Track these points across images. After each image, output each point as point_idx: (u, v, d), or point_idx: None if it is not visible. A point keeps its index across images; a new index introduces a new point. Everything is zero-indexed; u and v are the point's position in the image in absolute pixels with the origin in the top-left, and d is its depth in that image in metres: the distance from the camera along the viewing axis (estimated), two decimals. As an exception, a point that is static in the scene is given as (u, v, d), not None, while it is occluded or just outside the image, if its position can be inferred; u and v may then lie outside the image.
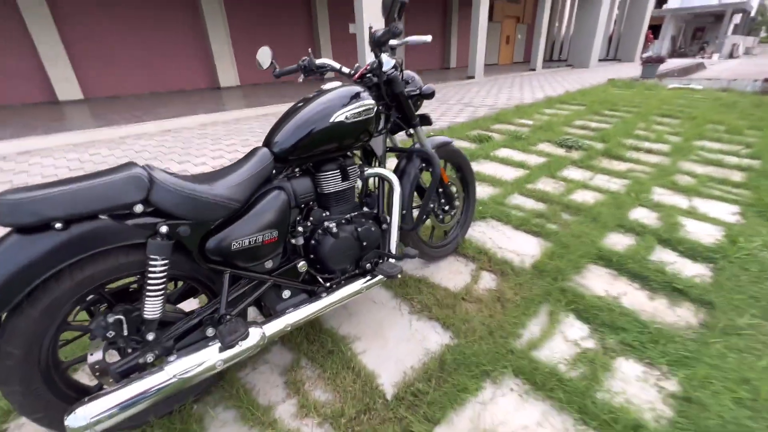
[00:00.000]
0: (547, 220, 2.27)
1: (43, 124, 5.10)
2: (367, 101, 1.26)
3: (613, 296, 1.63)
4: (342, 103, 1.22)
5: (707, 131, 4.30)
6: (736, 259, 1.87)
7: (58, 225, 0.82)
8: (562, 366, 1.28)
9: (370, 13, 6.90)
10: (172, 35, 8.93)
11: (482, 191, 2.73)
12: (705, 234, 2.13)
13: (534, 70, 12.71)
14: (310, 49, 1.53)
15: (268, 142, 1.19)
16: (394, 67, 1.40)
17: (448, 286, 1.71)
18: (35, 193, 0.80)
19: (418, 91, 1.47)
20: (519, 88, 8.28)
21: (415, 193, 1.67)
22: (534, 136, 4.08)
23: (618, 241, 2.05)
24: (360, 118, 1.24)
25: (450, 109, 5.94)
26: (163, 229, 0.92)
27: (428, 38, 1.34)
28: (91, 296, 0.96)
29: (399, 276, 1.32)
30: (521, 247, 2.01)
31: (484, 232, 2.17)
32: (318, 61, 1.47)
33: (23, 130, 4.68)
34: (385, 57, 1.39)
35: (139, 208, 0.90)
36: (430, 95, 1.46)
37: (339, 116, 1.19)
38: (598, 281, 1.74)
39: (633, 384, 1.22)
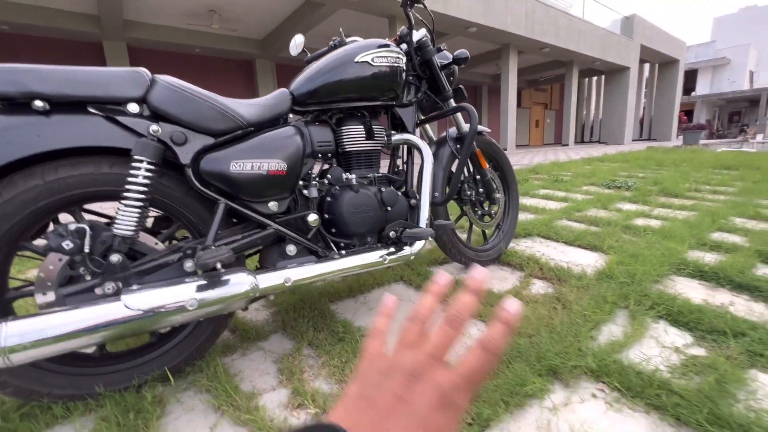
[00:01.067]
0: (604, 238, 1.93)
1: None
2: (396, 49, 1.18)
3: (717, 305, 1.23)
4: (369, 47, 1.15)
5: (778, 178, 3.85)
6: None
7: (38, 103, 0.73)
8: (665, 373, 0.89)
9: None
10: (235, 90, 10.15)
11: (524, 216, 2.46)
12: (820, 253, 1.68)
13: (567, 145, 12.88)
14: (341, 29, 1.55)
15: (288, 86, 1.12)
16: (425, 35, 1.35)
17: (491, 288, 1.40)
18: (22, 65, 0.72)
19: (450, 60, 1.39)
20: (554, 154, 8.27)
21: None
22: (576, 180, 3.85)
23: (703, 257, 1.65)
24: (387, 64, 1.15)
25: (483, 167, 5.92)
26: (154, 127, 0.80)
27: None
28: (60, 212, 0.81)
29: (430, 239, 1.07)
30: (579, 259, 1.68)
31: (530, 247, 1.87)
32: (349, 39, 1.46)
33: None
34: (415, 30, 1.35)
35: (133, 108, 0.80)
36: (464, 60, 1.37)
37: (365, 57, 1.11)
38: (689, 290, 1.35)
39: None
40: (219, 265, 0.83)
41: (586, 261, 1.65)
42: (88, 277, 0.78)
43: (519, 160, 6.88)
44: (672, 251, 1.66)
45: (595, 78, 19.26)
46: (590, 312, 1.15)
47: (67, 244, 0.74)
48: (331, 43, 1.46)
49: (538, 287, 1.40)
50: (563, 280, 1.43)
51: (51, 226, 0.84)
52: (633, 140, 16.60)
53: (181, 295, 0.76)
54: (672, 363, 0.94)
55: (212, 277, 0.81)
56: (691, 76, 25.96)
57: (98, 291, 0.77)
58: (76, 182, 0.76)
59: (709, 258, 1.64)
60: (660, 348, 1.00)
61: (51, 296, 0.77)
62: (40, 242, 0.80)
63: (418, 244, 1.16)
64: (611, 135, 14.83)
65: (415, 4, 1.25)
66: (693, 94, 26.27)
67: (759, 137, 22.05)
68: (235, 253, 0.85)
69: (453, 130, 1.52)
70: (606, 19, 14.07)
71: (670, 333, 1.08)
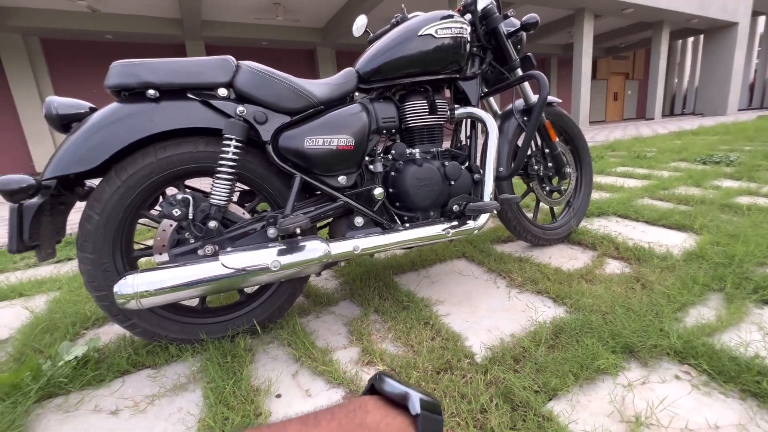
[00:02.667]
0: (697, 217, 1.72)
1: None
2: (460, 20, 1.16)
3: (844, 292, 1.05)
4: (432, 19, 1.14)
5: None
6: None
7: (151, 92, 0.86)
8: (765, 360, 0.80)
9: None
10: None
11: (598, 195, 2.28)
12: None
13: (652, 119, 11.42)
14: (403, 6, 1.54)
15: (354, 65, 1.15)
16: (491, 2, 1.29)
17: (559, 266, 1.34)
18: (139, 60, 0.85)
19: (518, 27, 1.32)
20: (635, 129, 7.40)
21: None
22: (663, 156, 3.43)
23: (829, 239, 1.40)
24: (451, 35, 1.13)
25: (551, 146, 5.52)
26: (240, 108, 0.90)
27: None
28: (168, 186, 0.95)
29: (494, 212, 1.06)
30: (663, 239, 1.53)
31: (605, 226, 1.73)
32: (411, 15, 1.45)
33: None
34: None
35: (222, 92, 0.91)
36: (534, 25, 1.29)
37: (428, 30, 1.10)
38: (806, 275, 1.16)
39: None
40: (298, 231, 0.91)
41: (672, 241, 1.49)
42: (192, 240, 0.91)
43: (593, 136, 6.29)
44: (784, 232, 1.43)
45: (691, 39, 16.63)
46: (676, 293, 1.06)
47: (176, 212, 0.87)
48: (394, 20, 1.47)
49: (613, 267, 1.31)
50: (643, 260, 1.32)
51: (161, 199, 0.99)
52: (739, 110, 14.15)
53: (266, 258, 0.86)
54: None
55: (291, 243, 0.90)
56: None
57: (200, 252, 0.90)
58: (179, 159, 0.89)
59: (837, 240, 1.38)
60: (763, 334, 0.89)
61: (165, 256, 0.93)
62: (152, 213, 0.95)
63: (483, 218, 1.15)
64: (710, 105, 12.78)
65: None
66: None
67: None
68: (310, 221, 0.93)
69: (520, 102, 1.46)
70: (708, -33, 11.98)
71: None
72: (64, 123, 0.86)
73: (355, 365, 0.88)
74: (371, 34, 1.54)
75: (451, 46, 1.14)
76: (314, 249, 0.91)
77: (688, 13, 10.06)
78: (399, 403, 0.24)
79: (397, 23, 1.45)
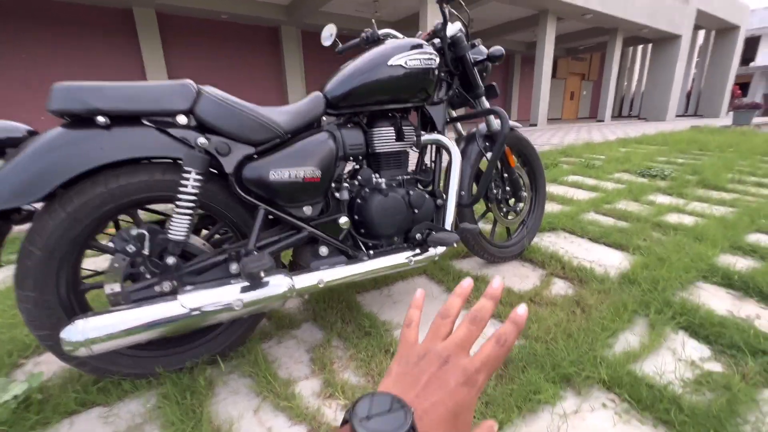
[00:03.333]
0: (632, 236, 1.91)
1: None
2: (429, 50, 1.17)
3: (742, 318, 1.23)
4: (402, 49, 1.14)
5: (835, 170, 3.57)
6: None
7: (101, 119, 0.80)
8: (677, 388, 0.93)
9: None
10: (258, 86, 10.17)
11: (551, 208, 2.43)
12: None
13: (602, 121, 12.20)
14: (373, 21, 1.53)
15: (322, 88, 1.13)
16: (460, 30, 1.32)
17: (512, 287, 1.44)
18: (86, 84, 0.78)
19: (485, 56, 1.36)
20: (587, 132, 7.89)
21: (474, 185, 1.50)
22: (609, 166, 3.71)
23: (735, 262, 1.62)
24: (420, 66, 1.14)
25: (511, 146, 5.75)
26: (201, 140, 0.86)
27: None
28: (121, 214, 0.90)
29: (455, 245, 1.12)
30: (603, 258, 1.68)
31: (554, 242, 1.87)
32: (381, 32, 1.44)
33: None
34: (449, 24, 1.32)
35: (182, 119, 0.86)
36: (499, 57, 1.33)
37: (398, 60, 1.11)
38: (715, 300, 1.34)
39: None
40: (262, 273, 0.90)
41: (610, 261, 1.65)
42: (148, 276, 0.87)
43: (549, 138, 6.63)
44: (701, 255, 1.63)
45: (641, 46, 17.75)
46: (609, 320, 1.18)
47: (130, 248, 0.83)
48: (364, 35, 1.45)
49: (559, 288, 1.43)
50: (585, 282, 1.45)
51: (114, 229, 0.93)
52: (677, 116, 15.49)
53: (228, 297, 0.85)
54: (686, 378, 0.97)
55: (254, 279, 0.90)
56: (751, 44, 23.44)
57: (157, 288, 0.87)
58: (134, 188, 0.84)
59: (742, 264, 1.60)
60: (676, 361, 1.03)
61: (117, 287, 0.88)
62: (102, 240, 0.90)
63: (442, 248, 1.20)
64: (653, 111, 13.86)
65: (452, 1, 1.22)
66: (752, 64, 23.83)
67: (822, 115, 20.03)
68: (272, 255, 0.93)
69: (483, 127, 1.51)
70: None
71: (688, 346, 1.10)
72: None
73: (317, 398, 0.91)
74: (340, 45, 1.51)
75: (420, 77, 1.16)
76: (278, 285, 0.91)
77: (640, 23, 10.74)
78: None
79: (367, 39, 1.44)
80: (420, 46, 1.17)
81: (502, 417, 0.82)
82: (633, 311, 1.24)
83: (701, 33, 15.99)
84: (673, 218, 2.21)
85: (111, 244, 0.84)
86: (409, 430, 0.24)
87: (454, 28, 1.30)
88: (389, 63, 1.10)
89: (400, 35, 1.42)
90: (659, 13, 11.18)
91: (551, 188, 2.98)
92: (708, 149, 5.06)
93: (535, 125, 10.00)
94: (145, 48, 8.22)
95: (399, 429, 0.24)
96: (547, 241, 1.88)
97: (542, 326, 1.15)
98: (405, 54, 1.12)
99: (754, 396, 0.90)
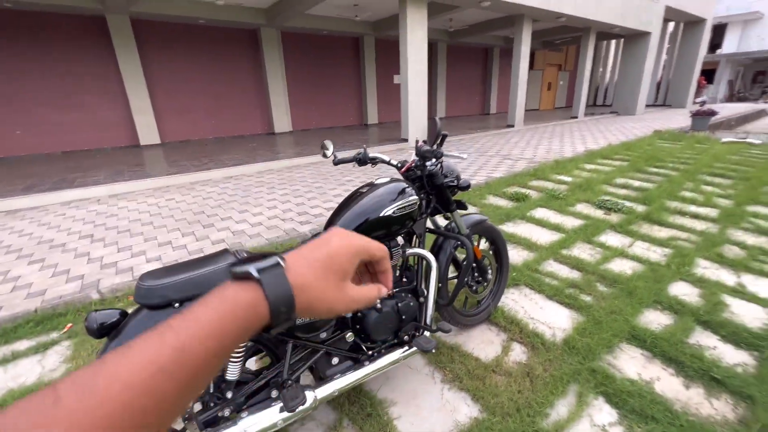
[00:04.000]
0: (581, 290, 2.33)
1: (128, 169, 5.94)
2: (412, 198, 1.50)
3: (646, 381, 1.66)
4: (390, 198, 1.46)
5: (763, 194, 4.12)
6: (784, 349, 1.82)
7: (177, 305, 1.10)
8: (588, 452, 1.34)
9: (414, 70, 7.47)
10: (238, 89, 10.12)
11: (516, 255, 2.83)
12: (752, 317, 2.08)
13: (576, 117, 12.72)
14: (365, 146, 1.82)
15: (330, 226, 1.45)
16: (435, 165, 1.64)
17: (479, 356, 1.83)
18: (163, 281, 1.08)
19: (455, 183, 1.69)
20: (559, 139, 8.34)
21: (451, 266, 1.85)
22: (572, 196, 4.14)
23: (654, 319, 2.06)
24: (405, 212, 1.47)
25: (488, 162, 6.14)
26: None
27: (464, 155, 1.60)
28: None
29: (433, 351, 1.48)
30: (553, 319, 2.09)
31: (516, 301, 2.27)
32: (371, 155, 1.75)
33: (113, 175, 5.48)
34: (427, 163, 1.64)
35: (230, 290, 1.17)
36: (466, 188, 1.67)
37: (388, 211, 1.43)
38: (630, 363, 1.77)
39: (660, 480, 1.25)
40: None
41: (559, 323, 2.05)
42: (212, 405, 1.20)
43: (523, 150, 7.03)
44: (626, 314, 2.06)
45: (614, 40, 18.21)
46: (549, 390, 1.59)
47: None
48: (358, 155, 1.76)
49: (516, 354, 1.83)
50: (536, 349, 1.85)
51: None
52: (647, 106, 16.19)
53: (273, 418, 1.19)
54: (596, 442, 1.38)
55: (282, 400, 1.24)
56: (719, 32, 24.33)
57: (219, 414, 1.20)
58: None
59: (660, 320, 2.04)
60: (591, 427, 1.44)
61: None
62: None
63: (425, 344, 1.57)
64: (623, 105, 14.49)
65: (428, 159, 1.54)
66: (718, 51, 24.80)
67: (780, 101, 21.20)
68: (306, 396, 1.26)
69: (454, 226, 1.86)
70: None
71: (604, 411, 1.52)
72: (102, 332, 1.08)
73: (337, 478, 1.27)
74: (337, 157, 1.82)
75: (407, 216, 1.49)
76: (307, 401, 1.25)
77: (611, 23, 11.13)
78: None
79: (360, 160, 1.75)
80: (404, 191, 1.49)
81: (466, 490, 1.21)
82: (567, 381, 1.64)
83: (671, 24, 16.54)
84: (616, 265, 2.65)
85: None
86: (277, 264, 0.30)
87: (431, 164, 1.63)
88: (382, 214, 1.42)
89: (386, 158, 1.73)
90: (629, 13, 11.60)
91: (519, 227, 3.38)
92: (665, 164, 5.58)
93: (512, 126, 10.41)
94: (120, 55, 8.06)
95: (268, 261, 0.30)
96: (510, 299, 2.28)
97: (499, 401, 1.54)
98: (394, 205, 1.44)
99: (637, 458, 1.32)
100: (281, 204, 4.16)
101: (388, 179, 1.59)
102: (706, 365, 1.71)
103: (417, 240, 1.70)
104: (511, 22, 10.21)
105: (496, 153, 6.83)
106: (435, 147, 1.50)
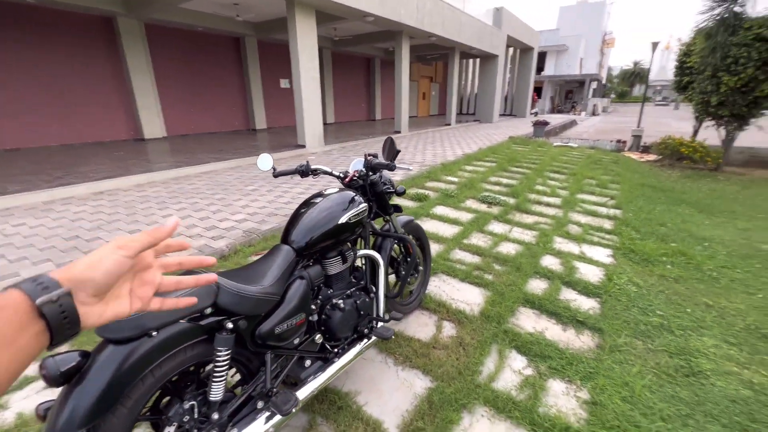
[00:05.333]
0: (483, 271, 2.85)
1: (-66, 188, 4.44)
2: (362, 205, 1.67)
3: (539, 331, 2.19)
4: (342, 208, 1.61)
5: (584, 185, 5.57)
6: (613, 293, 2.62)
7: (154, 333, 1.05)
8: (513, 392, 1.74)
9: (307, 77, 7.52)
10: (91, 86, 8.44)
11: (430, 247, 3.25)
12: (593, 275, 2.89)
13: (449, 125, 14.55)
14: (307, 160, 1.91)
15: (286, 239, 1.51)
16: (376, 175, 1.85)
17: (420, 337, 2.11)
18: (138, 315, 1.02)
19: (392, 190, 1.93)
20: (440, 144, 9.49)
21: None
22: (461, 193, 4.87)
23: (537, 286, 2.68)
24: (358, 218, 1.64)
25: (386, 165, 6.62)
26: (229, 324, 1.18)
27: (411, 167, 1.87)
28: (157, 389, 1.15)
29: (393, 337, 1.68)
30: (469, 297, 2.52)
31: (438, 287, 2.65)
32: (313, 166, 1.85)
33: None
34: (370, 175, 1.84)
35: (208, 311, 1.16)
36: (402, 193, 1.93)
37: (343, 219, 1.58)
38: (528, 321, 2.30)
39: (561, 397, 1.72)
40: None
41: (474, 299, 2.50)
42: (195, 431, 1.16)
43: (413, 155, 7.79)
44: (519, 285, 2.64)
45: (471, 59, 21.36)
46: (479, 354, 1.96)
47: (185, 419, 1.12)
48: (299, 167, 1.84)
49: (448, 330, 2.18)
50: (462, 323, 2.24)
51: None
52: (501, 115, 19.51)
53: (264, 427, 1.22)
54: (517, 383, 1.80)
55: (274, 407, 1.28)
56: (542, 57, 30.91)
57: (204, 438, 1.17)
58: (170, 369, 1.11)
59: (540, 286, 2.67)
60: (512, 373, 1.86)
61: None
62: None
63: (381, 334, 1.76)
64: (483, 114, 17.16)
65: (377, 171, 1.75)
66: (542, 73, 31.47)
67: (582, 114, 28.13)
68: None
69: (391, 226, 2.10)
70: (479, 8, 15.69)
71: (518, 359, 1.96)
72: (65, 379, 0.96)
73: (325, 470, 1.37)
74: (276, 170, 1.86)
75: (358, 223, 1.66)
76: (292, 403, 1.31)
77: (470, 45, 13.12)
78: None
79: (302, 171, 1.83)
80: (353, 200, 1.65)
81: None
82: (489, 343, 2.06)
83: (511, 49, 20.31)
84: (504, 248, 3.29)
85: (168, 414, 1.11)
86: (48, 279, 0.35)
87: (374, 176, 1.83)
88: (338, 222, 1.56)
89: (328, 169, 1.87)
90: (483, 38, 13.87)
91: (426, 224, 3.85)
92: (521, 164, 6.95)
93: (400, 132, 11.33)
94: None
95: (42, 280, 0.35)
96: (433, 286, 2.65)
97: (444, 370, 1.85)
98: (347, 214, 1.59)
99: (545, 387, 1.77)
100: (182, 220, 3.77)
101: (336, 189, 1.73)
102: (573, 313, 2.36)
103: (363, 243, 1.88)
104: (392, 36, 11.11)
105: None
106: (391, 161, 1.71)
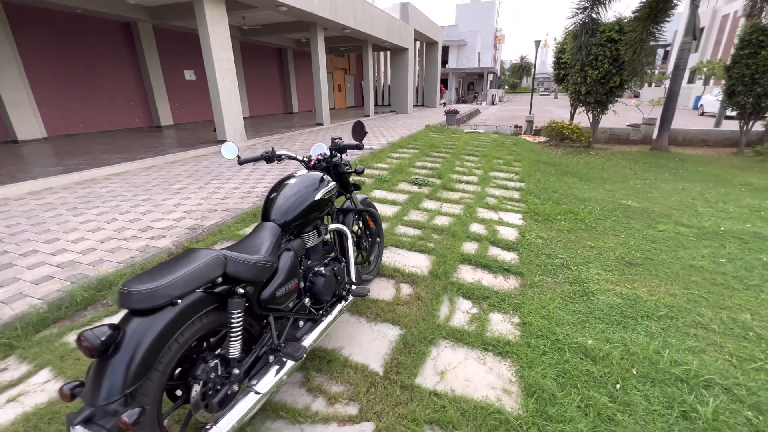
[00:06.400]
0: (425, 240, 3.28)
1: None
2: (331, 184, 1.90)
3: (477, 280, 2.68)
4: (314, 187, 1.82)
5: (495, 165, 6.45)
6: (526, 246, 3.26)
7: (179, 301, 1.17)
8: (466, 326, 2.17)
9: (222, 68, 7.16)
10: None
11: (376, 227, 3.57)
12: (510, 234, 3.52)
13: (369, 116, 14.97)
14: (272, 146, 2.04)
15: (267, 216, 1.68)
16: (337, 157, 2.08)
17: (384, 298, 2.43)
18: (162, 282, 1.13)
19: (353, 170, 2.18)
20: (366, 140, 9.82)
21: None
22: (393, 178, 5.28)
23: (470, 247, 3.20)
24: (329, 195, 1.87)
25: (316, 157, 6.72)
26: (240, 290, 1.34)
27: (375, 147, 2.14)
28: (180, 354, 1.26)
29: (368, 294, 1.96)
30: (417, 262, 2.92)
31: (390, 257, 2.99)
32: (278, 152, 2.01)
33: None
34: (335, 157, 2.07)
35: (219, 280, 1.31)
36: (362, 172, 2.20)
37: (318, 195, 1.79)
38: (467, 274, 2.77)
39: (500, 324, 2.20)
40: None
41: (422, 263, 2.90)
42: (219, 387, 1.31)
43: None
44: (455, 248, 3.12)
45: (382, 52, 22.02)
46: (434, 304, 2.36)
47: (212, 375, 1.26)
48: (264, 153, 1.98)
49: (405, 290, 2.53)
50: (416, 282, 2.61)
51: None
52: (414, 106, 20.61)
53: (278, 374, 1.41)
54: (467, 320, 2.23)
55: (286, 356, 1.47)
56: (445, 51, 33.19)
57: (229, 391, 1.32)
58: (190, 335, 1.25)
59: (471, 247, 3.19)
60: (462, 313, 2.29)
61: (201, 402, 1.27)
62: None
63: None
64: (399, 104, 17.98)
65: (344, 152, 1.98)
66: (447, 66, 33.85)
67: (483, 103, 31.10)
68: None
69: (350, 204, 2.35)
70: (386, 3, 16.32)
71: (465, 303, 2.41)
72: (105, 349, 1.04)
73: (328, 407, 1.60)
74: (241, 158, 1.98)
75: (330, 199, 1.88)
76: (302, 350, 1.51)
77: (381, 38, 13.62)
78: None
79: (268, 157, 1.98)
80: (323, 179, 1.87)
81: (416, 371, 1.79)
82: (441, 294, 2.47)
83: (418, 44, 21.48)
84: (439, 221, 3.78)
85: (197, 373, 1.23)
86: None
87: (337, 159, 2.06)
88: (315, 198, 1.77)
89: (292, 154, 2.04)
90: (393, 32, 14.49)
91: (368, 206, 4.15)
92: (440, 149, 7.66)
93: (322, 124, 11.37)
94: None
95: None
96: (386, 257, 2.98)
97: (409, 319, 2.19)
98: (321, 191, 1.80)
99: (488, 319, 2.24)
100: (107, 224, 3.46)
101: (304, 172, 1.93)
102: (499, 264, 2.90)
103: (330, 218, 2.11)
104: (304, 27, 10.99)
105: (319, 149, 7.51)
106: (359, 142, 1.95)
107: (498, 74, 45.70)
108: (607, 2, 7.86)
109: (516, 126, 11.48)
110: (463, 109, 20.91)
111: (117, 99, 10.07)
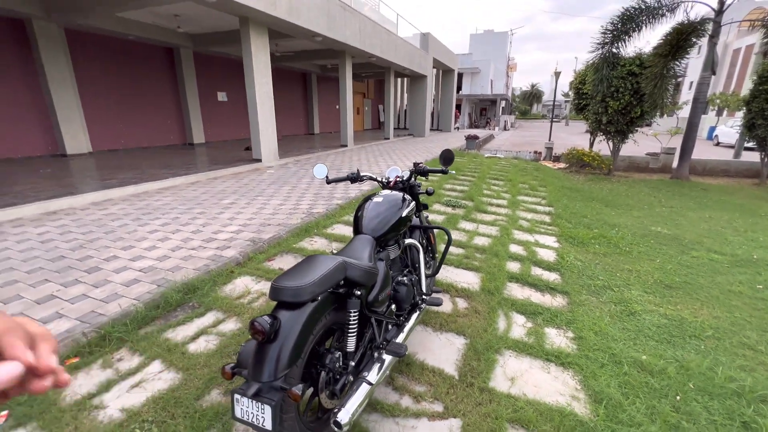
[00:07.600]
0: (470, 259, 3.47)
1: None
2: (412, 203, 2.14)
3: (526, 297, 2.85)
4: (399, 206, 2.06)
5: (521, 189, 6.66)
6: (566, 267, 3.42)
7: (320, 297, 1.39)
8: (525, 338, 2.33)
9: (262, 93, 7.63)
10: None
11: (421, 245, 3.78)
12: (548, 256, 3.70)
13: (388, 139, 15.45)
14: (357, 168, 2.31)
15: (360, 230, 1.91)
16: (414, 179, 2.34)
17: (443, 311, 2.61)
18: (306, 281, 1.35)
19: (425, 192, 2.43)
20: (389, 156, 10.19)
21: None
22: (427, 199, 5.52)
23: (513, 267, 3.38)
24: (410, 213, 2.10)
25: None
26: (358, 292, 1.56)
27: (453, 172, 2.39)
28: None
29: (442, 304, 2.16)
30: (467, 279, 3.10)
31: (441, 273, 3.19)
32: (362, 174, 2.26)
33: None
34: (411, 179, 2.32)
35: (341, 282, 1.53)
36: (432, 193, 2.44)
37: (402, 213, 2.03)
38: (516, 291, 2.95)
39: (556, 338, 2.36)
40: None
41: (472, 280, 3.08)
42: (337, 376, 1.50)
43: (370, 165, 8.33)
44: (501, 266, 3.31)
45: (401, 78, 22.86)
46: (491, 317, 2.53)
47: (336, 366, 1.46)
48: (350, 174, 2.24)
49: (461, 304, 2.71)
50: (470, 297, 2.79)
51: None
52: (430, 130, 21.16)
53: (383, 367, 1.61)
54: (525, 332, 2.39)
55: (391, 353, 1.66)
56: (459, 78, 34.20)
57: (345, 381, 1.52)
58: (320, 330, 1.46)
59: (515, 267, 3.37)
60: (519, 327, 2.46)
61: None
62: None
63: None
64: (416, 128, 18.51)
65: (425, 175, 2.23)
66: (460, 92, 34.77)
67: (496, 129, 31.66)
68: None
69: (417, 221, 2.58)
70: (407, 33, 17.13)
71: (520, 317, 2.57)
72: (273, 334, 1.25)
73: (416, 404, 1.77)
74: (329, 177, 2.24)
75: (409, 216, 2.12)
76: (404, 349, 1.71)
77: (403, 66, 14.25)
78: None
79: (353, 177, 2.23)
80: (404, 199, 2.11)
81: (488, 375, 1.96)
82: (496, 308, 2.64)
83: (435, 70, 22.27)
84: (479, 241, 3.98)
85: (326, 362, 1.44)
86: None
87: (413, 180, 2.31)
88: (399, 216, 2.00)
89: (374, 175, 2.30)
90: (414, 60, 15.16)
91: (409, 225, 4.38)
92: (465, 173, 7.93)
93: (346, 146, 11.81)
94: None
95: None
96: (440, 272, 3.17)
97: (472, 330, 2.37)
98: (404, 210, 2.04)
99: (543, 333, 2.40)
100: (172, 234, 3.74)
101: (388, 192, 2.17)
102: (545, 283, 3.08)
103: (408, 234, 2.33)
104: (332, 54, 11.62)
105: (349, 169, 7.84)
106: (445, 168, 2.23)
107: (510, 101, 46.63)
108: (626, 39, 8.24)
109: (535, 152, 11.76)
110: (480, 133, 21.38)
111: (156, 118, 10.66)
